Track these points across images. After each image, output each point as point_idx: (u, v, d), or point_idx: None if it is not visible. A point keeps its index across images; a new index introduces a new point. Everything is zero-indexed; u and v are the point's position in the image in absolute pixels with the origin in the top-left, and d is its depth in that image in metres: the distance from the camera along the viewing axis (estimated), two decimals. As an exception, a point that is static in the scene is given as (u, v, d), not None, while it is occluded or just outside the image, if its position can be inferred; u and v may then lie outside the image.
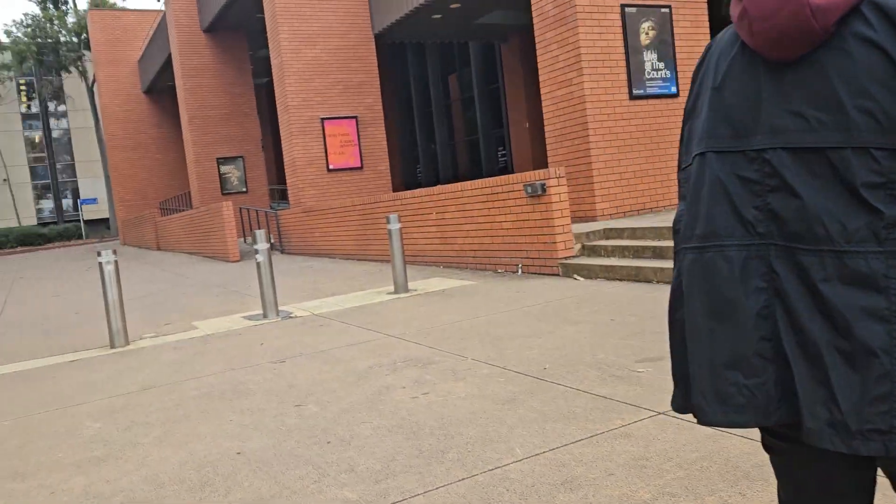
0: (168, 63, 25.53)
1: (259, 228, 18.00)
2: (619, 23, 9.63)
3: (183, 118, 23.29)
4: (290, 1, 15.77)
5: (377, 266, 10.97)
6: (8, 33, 41.76)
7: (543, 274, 7.87)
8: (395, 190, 19.04)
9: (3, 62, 43.81)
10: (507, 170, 20.95)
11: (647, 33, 9.84)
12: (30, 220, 50.84)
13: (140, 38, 31.18)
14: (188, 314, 8.05)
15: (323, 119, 16.15)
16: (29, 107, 52.26)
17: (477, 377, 4.11)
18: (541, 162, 19.05)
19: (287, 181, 16.61)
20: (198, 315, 7.90)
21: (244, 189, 23.33)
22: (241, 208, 19.38)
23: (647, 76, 9.84)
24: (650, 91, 9.88)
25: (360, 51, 16.61)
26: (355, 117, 16.57)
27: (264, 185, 23.98)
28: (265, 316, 7.04)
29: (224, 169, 23.05)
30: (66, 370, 5.63)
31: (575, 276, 7.42)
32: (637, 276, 6.78)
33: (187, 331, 6.88)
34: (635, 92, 9.75)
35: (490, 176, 17.68)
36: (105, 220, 49.39)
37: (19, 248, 41.72)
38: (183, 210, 23.39)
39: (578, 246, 7.92)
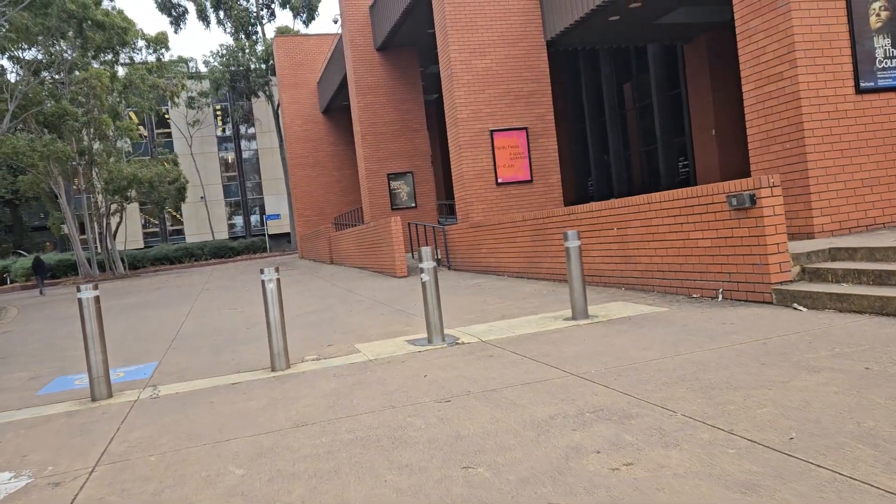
0: (344, 83, 26.41)
1: (426, 244, 17.83)
2: (843, 3, 8.11)
3: (356, 135, 23.87)
4: (461, 12, 15.42)
5: (549, 286, 10.11)
6: (206, 63, 45.84)
7: (751, 301, 6.61)
8: (566, 204, 18.08)
9: (202, 90, 48.12)
10: (688, 181, 19.25)
11: (877, 14, 8.23)
12: (222, 234, 55.40)
13: (319, 61, 32.76)
14: (352, 334, 7.66)
15: (492, 131, 15.60)
16: (223, 130, 57.10)
17: (695, 444, 3.14)
18: (730, 172, 17.23)
19: (455, 196, 16.23)
20: (362, 336, 7.47)
21: (413, 204, 23.43)
22: (409, 223, 19.32)
23: (878, 65, 8.21)
24: (882, 83, 8.23)
25: (532, 59, 15.90)
26: (525, 129, 15.86)
27: (433, 201, 23.96)
28: (430, 341, 6.43)
29: (394, 184, 23.29)
30: (224, 394, 5.31)
31: (795, 305, 6.11)
32: (884, 308, 5.38)
33: (349, 354, 6.43)
34: (863, 85, 8.15)
35: (670, 188, 16.23)
36: (287, 235, 52.62)
37: (212, 260, 45.40)
38: (355, 225, 23.92)
39: (797, 269, 6.57)
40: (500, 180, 15.65)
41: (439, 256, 16.43)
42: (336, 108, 31.38)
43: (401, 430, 3.86)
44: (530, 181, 15.87)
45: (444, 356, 5.80)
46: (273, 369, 6.01)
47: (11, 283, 42.16)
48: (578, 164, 25.57)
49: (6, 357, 9.23)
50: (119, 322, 12.28)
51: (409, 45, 22.61)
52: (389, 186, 23.23)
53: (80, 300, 5.59)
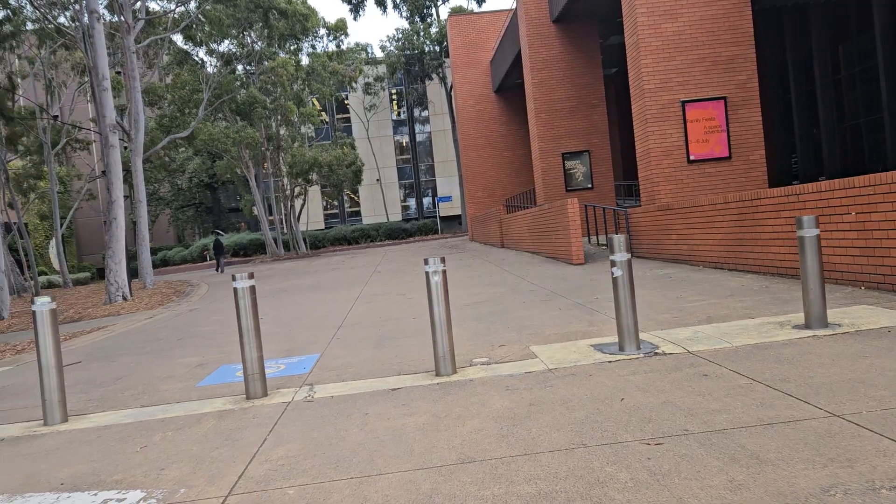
0: (517, 60, 25.44)
1: (604, 229, 16.48)
2: None
3: (530, 113, 22.85)
4: (649, -30, 13.82)
5: (759, 280, 8.54)
6: (382, 48, 46.82)
7: None
8: (770, 185, 15.88)
9: (378, 75, 49.30)
10: (923, 157, 16.25)
11: None
12: (396, 216, 56.84)
13: (492, 40, 32.00)
14: (526, 332, 6.73)
15: (684, 102, 13.90)
16: (398, 113, 58.38)
17: None
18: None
19: (639, 175, 14.73)
20: (537, 335, 6.52)
21: (589, 185, 22.05)
22: (585, 206, 18.03)
23: None
24: None
25: (733, 18, 13.95)
26: (723, 98, 13.98)
27: (610, 181, 22.41)
28: (622, 348, 5.33)
29: (569, 164, 22.03)
30: (381, 403, 4.59)
31: None
32: None
33: (524, 359, 5.50)
34: None
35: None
36: (458, 217, 52.90)
37: (386, 241, 46.60)
38: (527, 207, 22.97)
39: None
40: (691, 157, 13.94)
41: (619, 242, 15.06)
42: (509, 87, 30.50)
43: (598, 486, 2.86)
44: (728, 158, 13.99)
45: (642, 371, 4.69)
46: (437, 374, 5.23)
47: (211, 259, 45.99)
48: (780, 140, 22.74)
49: (184, 338, 9.33)
50: (293, 305, 12.28)
51: (588, 15, 21.13)
52: (564, 166, 22.01)
53: (235, 290, 5.12)
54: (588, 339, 6.03)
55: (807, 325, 5.44)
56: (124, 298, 15.57)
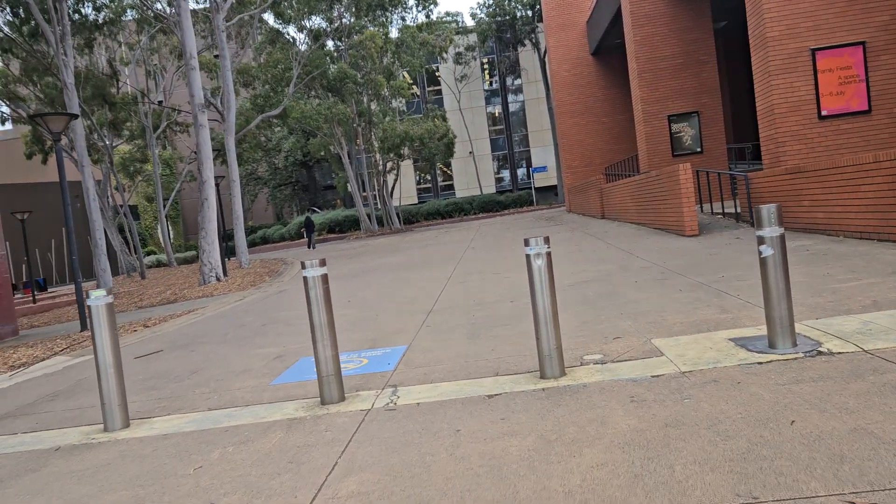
0: (617, 18, 23.78)
1: (723, 196, 14.97)
2: None
3: (632, 73, 21.29)
4: None
5: (924, 254, 7.14)
6: (473, 16, 45.55)
7: None
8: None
9: (469, 44, 48.15)
10: None
11: None
12: (489, 188, 55.79)
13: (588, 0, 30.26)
14: (644, 320, 5.74)
15: (814, 50, 12.22)
16: (490, 83, 57.06)
17: None
18: None
19: (760, 135, 13.18)
20: (658, 323, 5.52)
21: (699, 149, 20.36)
22: (696, 171, 16.52)
23: None
24: None
25: (873, -51, 12.09)
26: (862, 43, 12.19)
27: (722, 145, 20.62)
28: (772, 345, 4.28)
29: (676, 127, 20.40)
30: (475, 416, 3.78)
31: None
32: None
33: (647, 357, 4.55)
34: None
35: None
36: (553, 188, 51.35)
37: (480, 214, 45.78)
38: (629, 175, 21.51)
39: None
40: (823, 112, 12.28)
41: (738, 210, 13.59)
42: (607, 48, 28.76)
43: (796, 579, 1.93)
44: (867, 112, 12.23)
45: (808, 378, 3.65)
46: (542, 375, 4.37)
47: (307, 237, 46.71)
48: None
49: (268, 323, 8.87)
50: (382, 285, 11.70)
51: (695, -39, 19.30)
52: (670, 129, 20.40)
53: (305, 279, 4.43)
54: (724, 330, 5.00)
55: None
56: (218, 279, 15.52)
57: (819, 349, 4.15)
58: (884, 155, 8.31)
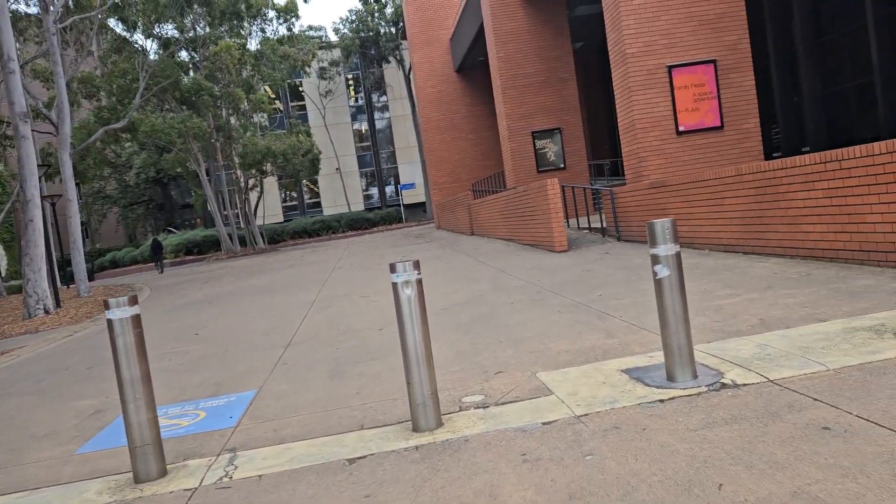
0: (480, 34, 23.81)
1: (584, 210, 15.02)
2: None
3: (496, 90, 21.29)
4: (628, -81, 12.30)
5: (788, 265, 7.12)
6: (336, 31, 44.67)
7: None
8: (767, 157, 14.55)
9: (333, 59, 47.14)
10: (921, 121, 15.10)
11: None
12: (358, 205, 54.74)
13: (451, 17, 30.30)
14: (526, 349, 5.18)
15: (670, 67, 12.46)
16: (356, 99, 56.20)
17: None
18: None
19: (623, 150, 13.28)
20: (541, 352, 4.98)
21: (562, 165, 20.61)
22: (563, 186, 16.57)
23: None
24: None
25: (722, -29, 12.53)
26: (713, 62, 12.58)
27: (584, 161, 21.01)
28: (671, 377, 3.81)
29: (540, 143, 20.55)
30: (336, 494, 2.99)
31: None
32: None
33: (535, 396, 3.95)
34: None
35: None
36: (422, 204, 51.16)
37: (349, 232, 44.73)
38: (496, 192, 21.44)
39: None
40: (681, 128, 12.53)
41: (604, 224, 13.62)
42: (471, 65, 28.86)
43: None
44: (720, 128, 12.61)
45: (719, 420, 3.17)
46: (416, 428, 3.64)
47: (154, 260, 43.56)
48: (760, 111, 21.53)
49: (95, 366, 7.57)
50: (238, 313, 10.57)
51: (555, -20, 19.60)
52: (535, 145, 20.52)
53: (110, 322, 3.45)
54: (613, 359, 4.51)
55: (916, 333, 3.98)
56: (46, 311, 13.60)
57: (722, 380, 3.72)
58: (746, 168, 8.35)
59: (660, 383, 3.82)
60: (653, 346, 4.62)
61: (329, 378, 5.23)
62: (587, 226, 14.82)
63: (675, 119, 12.51)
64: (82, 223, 57.28)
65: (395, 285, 3.61)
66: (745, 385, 3.60)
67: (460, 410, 3.91)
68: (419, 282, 3.63)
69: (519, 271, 10.37)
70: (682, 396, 3.57)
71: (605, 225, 13.55)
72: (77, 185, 46.30)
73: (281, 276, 16.46)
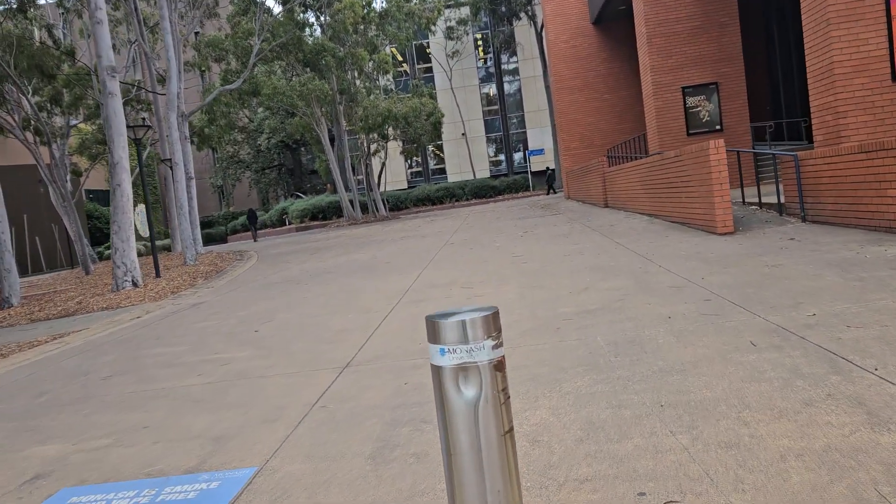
0: (622, -24, 20.75)
1: (753, 181, 12.08)
2: None
3: (640, 39, 18.31)
4: None
5: None
6: (465, -15, 42.28)
7: None
8: None
9: (460, 17, 44.90)
10: None
11: None
12: (483, 172, 52.58)
13: (590, -39, 27.14)
14: (716, 440, 2.89)
15: (888, -10, 9.29)
16: (484, 61, 53.75)
17: None
18: None
19: (812, 104, 10.27)
20: (746, 448, 2.66)
21: (718, 126, 17.45)
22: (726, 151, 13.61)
23: None
24: None
25: None
26: (952, -20, 9.25)
27: (745, 121, 17.70)
28: None
29: (691, 101, 17.47)
30: None
31: None
32: None
33: None
34: None
35: None
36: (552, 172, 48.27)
37: (473, 200, 42.80)
38: (637, 158, 18.56)
39: None
40: (900, 72, 9.37)
41: (782, 199, 10.70)
42: (610, 15, 25.68)
43: None
44: (958, 71, 9.32)
45: None
46: None
47: (289, 223, 43.78)
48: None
49: (112, 375, 5.97)
50: (316, 303, 8.83)
51: None
52: (685, 103, 17.46)
53: None
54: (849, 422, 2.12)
55: None
56: (134, 284, 12.60)
57: None
58: None
59: None
60: None
61: (369, 458, 3.18)
62: (755, 200, 11.89)
63: (893, 61, 9.36)
64: (218, 187, 59.14)
65: (438, 371, 1.45)
66: None
67: None
68: (501, 365, 1.44)
69: (671, 261, 7.87)
70: None
71: (783, 200, 10.64)
72: (213, 149, 47.36)
73: (387, 251, 14.72)
